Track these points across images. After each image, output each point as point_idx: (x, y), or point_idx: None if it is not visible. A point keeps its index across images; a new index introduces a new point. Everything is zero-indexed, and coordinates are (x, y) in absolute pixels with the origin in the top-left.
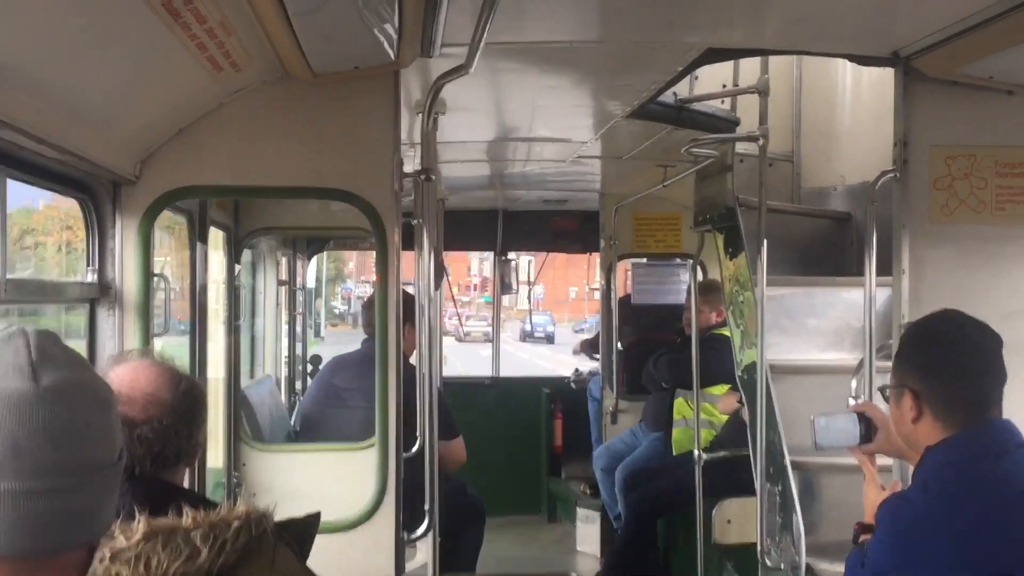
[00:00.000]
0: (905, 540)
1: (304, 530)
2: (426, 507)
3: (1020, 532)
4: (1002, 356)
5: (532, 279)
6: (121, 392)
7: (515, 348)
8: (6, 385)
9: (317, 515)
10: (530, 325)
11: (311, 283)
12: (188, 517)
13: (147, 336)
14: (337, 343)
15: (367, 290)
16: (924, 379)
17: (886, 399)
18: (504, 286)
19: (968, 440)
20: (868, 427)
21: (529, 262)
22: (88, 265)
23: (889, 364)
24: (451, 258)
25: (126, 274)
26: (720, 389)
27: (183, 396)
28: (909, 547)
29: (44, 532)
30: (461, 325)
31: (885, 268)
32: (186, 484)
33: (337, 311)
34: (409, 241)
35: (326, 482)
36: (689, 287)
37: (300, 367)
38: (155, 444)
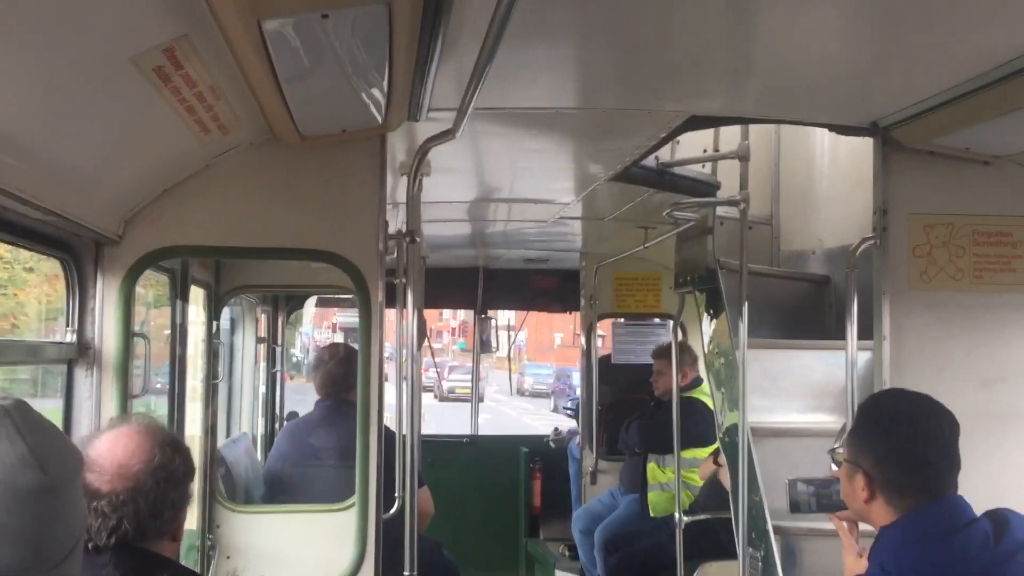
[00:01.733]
0: None
1: None
2: (406, 573)
3: None
4: (958, 443)
5: (514, 328)
6: (95, 462)
7: (512, 408)
8: (15, 479)
9: None
10: (526, 378)
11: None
12: None
13: (125, 398)
14: (297, 396)
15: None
16: (877, 465)
17: (837, 464)
18: (483, 344)
19: (919, 519)
20: None
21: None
22: (67, 325)
23: None
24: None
25: (106, 334)
26: (693, 453)
27: (154, 471)
28: None
29: None
30: (441, 380)
31: (865, 332)
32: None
33: (295, 359)
34: (390, 299)
35: (303, 544)
36: (656, 350)
37: (278, 425)
38: (111, 519)
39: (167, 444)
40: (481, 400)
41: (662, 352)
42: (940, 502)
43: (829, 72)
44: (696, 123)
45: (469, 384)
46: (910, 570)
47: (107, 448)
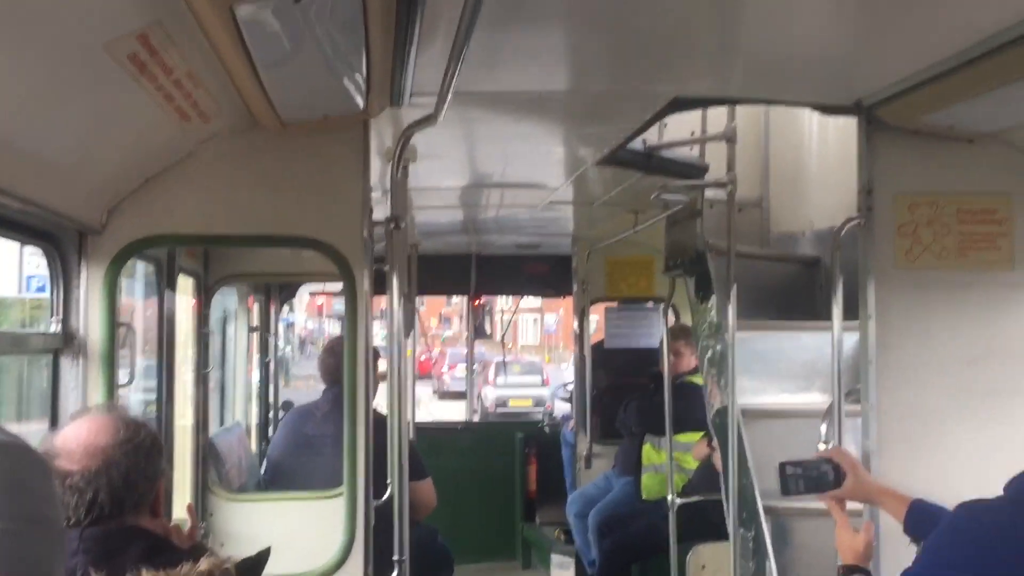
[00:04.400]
0: (982, 544)
1: (255, 563)
2: (395, 557)
3: None
4: None
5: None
6: (63, 447)
7: None
8: None
9: (267, 550)
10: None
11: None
12: None
13: (111, 387)
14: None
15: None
16: None
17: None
18: (477, 330)
19: None
20: (837, 473)
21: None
22: (52, 315)
23: (858, 408)
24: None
25: (91, 324)
26: (689, 437)
27: (121, 444)
28: (982, 552)
29: None
30: (440, 376)
31: (852, 312)
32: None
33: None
34: (381, 286)
35: (295, 531)
36: (676, 328)
37: (271, 414)
38: (86, 492)
39: (130, 421)
40: None
41: (678, 332)
42: None
43: (813, 52)
44: (682, 105)
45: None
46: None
47: (73, 433)
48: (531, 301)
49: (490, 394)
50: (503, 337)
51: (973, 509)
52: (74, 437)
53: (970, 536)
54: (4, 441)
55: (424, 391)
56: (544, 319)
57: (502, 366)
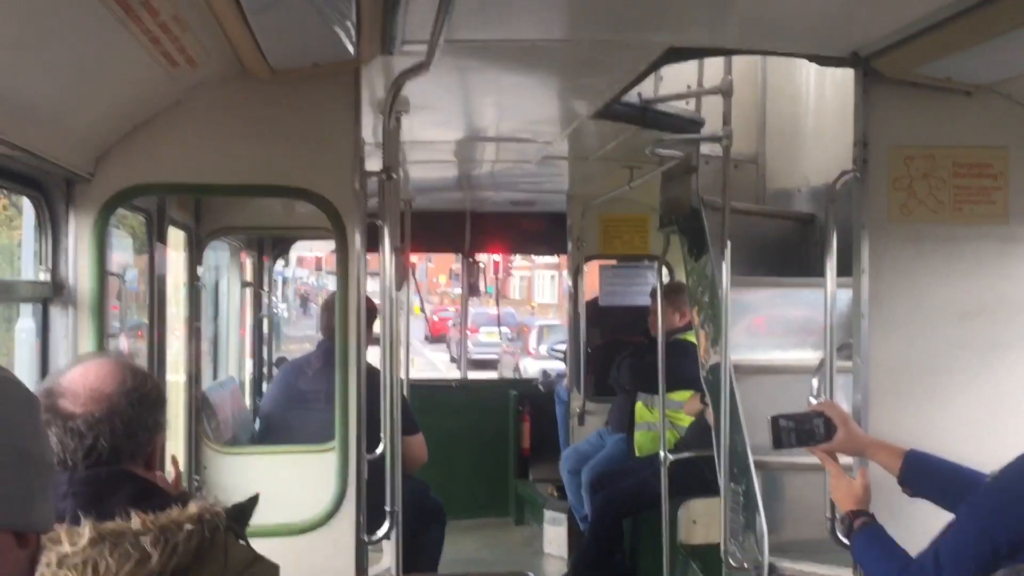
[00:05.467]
0: None
1: (243, 509)
2: (388, 508)
3: None
4: None
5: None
6: (68, 388)
7: None
8: None
9: (256, 496)
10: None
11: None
12: (137, 520)
13: (102, 336)
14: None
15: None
16: None
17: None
18: (472, 287)
19: None
20: (828, 426)
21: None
22: (41, 264)
23: (849, 364)
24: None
25: (80, 273)
26: (682, 395)
27: (127, 393)
28: None
29: None
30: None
31: (846, 268)
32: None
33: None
34: (375, 242)
35: (289, 484)
36: (654, 289)
37: (265, 369)
38: (87, 437)
39: (138, 370)
40: None
41: (668, 290)
42: None
43: (810, 1)
44: (676, 55)
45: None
46: None
47: (80, 375)
48: (549, 258)
49: (531, 368)
50: (497, 296)
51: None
52: (80, 380)
53: None
54: None
55: (440, 357)
56: (563, 276)
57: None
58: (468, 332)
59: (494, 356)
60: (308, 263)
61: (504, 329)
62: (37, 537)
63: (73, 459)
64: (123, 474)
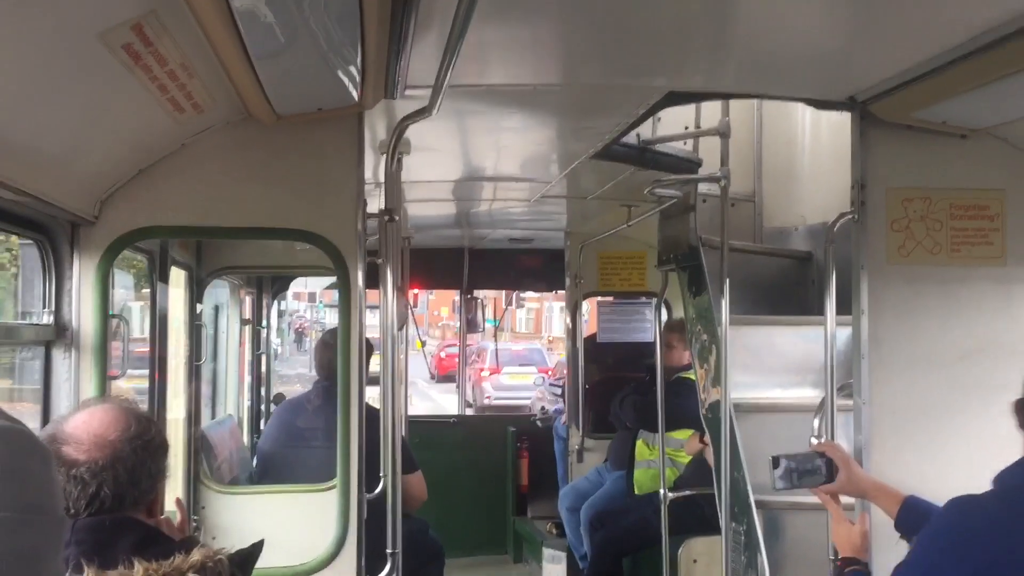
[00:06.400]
0: (969, 539)
1: (248, 555)
2: (389, 550)
3: None
4: None
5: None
6: (72, 435)
7: None
8: None
9: (260, 543)
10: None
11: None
12: (140, 569)
13: (104, 378)
14: None
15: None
16: None
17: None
18: (470, 323)
19: None
20: (829, 467)
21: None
22: (44, 307)
23: (850, 403)
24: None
25: (83, 315)
26: (683, 434)
27: (131, 440)
28: (969, 548)
29: None
30: (480, 381)
31: (845, 307)
32: None
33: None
34: (374, 280)
35: (287, 525)
36: (672, 322)
37: (263, 406)
38: (90, 485)
39: (142, 416)
40: None
41: (674, 327)
42: None
43: (807, 47)
44: (676, 99)
45: (517, 395)
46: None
47: (83, 421)
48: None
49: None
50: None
51: (962, 504)
52: (84, 426)
53: (960, 531)
54: (3, 426)
55: (451, 400)
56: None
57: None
58: (487, 371)
59: (523, 400)
60: (301, 296)
61: (531, 369)
62: None
63: (76, 507)
64: (127, 521)
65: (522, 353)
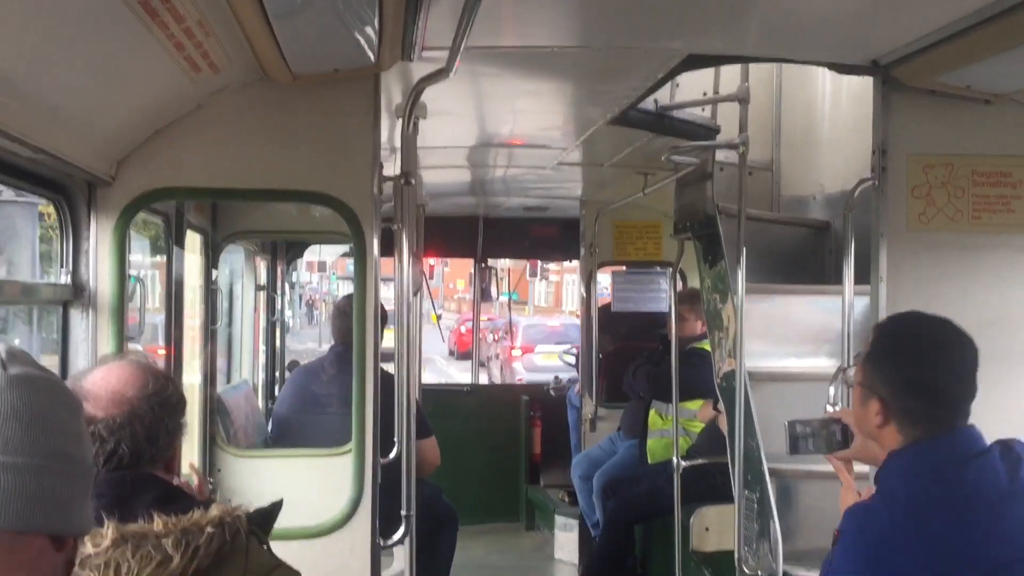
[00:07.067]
0: (873, 553)
1: (267, 514)
2: (403, 512)
3: (985, 545)
4: (977, 371)
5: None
6: (91, 391)
7: None
8: None
9: (280, 502)
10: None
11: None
12: (159, 523)
13: (121, 339)
14: None
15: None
16: (894, 394)
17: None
18: (484, 293)
19: (933, 449)
20: (845, 433)
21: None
22: (62, 267)
23: None
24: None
25: (100, 276)
26: (696, 404)
27: (148, 397)
28: (875, 561)
29: (11, 506)
30: (509, 362)
31: (863, 276)
32: None
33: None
34: (389, 247)
35: (303, 488)
36: (684, 292)
37: (278, 372)
38: (108, 442)
39: (160, 374)
40: None
41: (686, 297)
42: (954, 433)
43: (830, 9)
44: (694, 62)
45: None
46: (921, 500)
47: (101, 378)
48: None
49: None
50: (508, 301)
51: (856, 515)
52: (103, 383)
53: (857, 544)
54: (33, 375)
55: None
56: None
57: None
58: (519, 350)
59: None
60: (311, 267)
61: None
62: (74, 541)
63: (95, 463)
64: (147, 477)
65: (558, 330)
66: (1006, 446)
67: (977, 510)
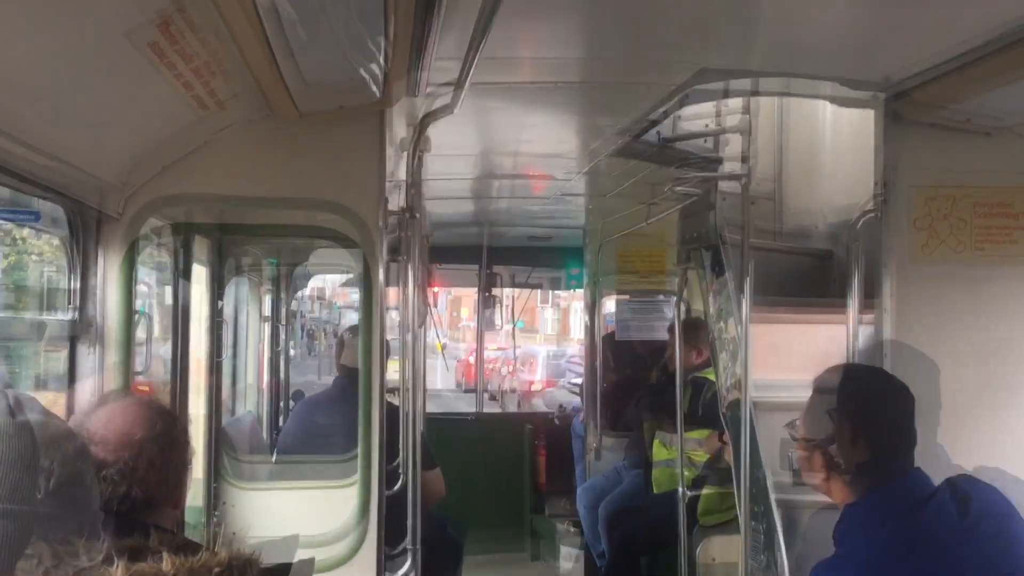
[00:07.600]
0: None
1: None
2: (408, 546)
3: None
4: (914, 418)
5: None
6: (97, 433)
7: None
8: None
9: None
10: None
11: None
12: (168, 563)
13: (128, 374)
14: None
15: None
16: (839, 448)
17: (794, 439)
18: (488, 321)
19: (883, 499)
20: None
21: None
22: (69, 302)
23: None
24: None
25: (108, 311)
26: (700, 433)
27: (157, 438)
28: None
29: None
30: (529, 394)
31: (866, 305)
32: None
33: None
34: (394, 279)
35: (309, 520)
36: (671, 325)
37: (283, 403)
38: (120, 485)
39: (165, 411)
40: None
41: (690, 326)
42: (900, 481)
43: (837, 37)
44: (697, 97)
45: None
46: (883, 552)
47: (108, 420)
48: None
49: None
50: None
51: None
52: (111, 424)
53: None
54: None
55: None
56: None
57: None
58: (541, 385)
59: None
60: (311, 297)
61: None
62: None
63: (107, 507)
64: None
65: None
66: (953, 484)
67: (936, 555)
